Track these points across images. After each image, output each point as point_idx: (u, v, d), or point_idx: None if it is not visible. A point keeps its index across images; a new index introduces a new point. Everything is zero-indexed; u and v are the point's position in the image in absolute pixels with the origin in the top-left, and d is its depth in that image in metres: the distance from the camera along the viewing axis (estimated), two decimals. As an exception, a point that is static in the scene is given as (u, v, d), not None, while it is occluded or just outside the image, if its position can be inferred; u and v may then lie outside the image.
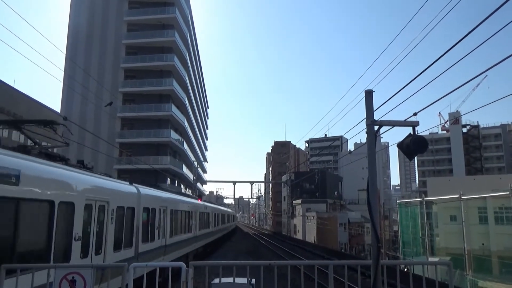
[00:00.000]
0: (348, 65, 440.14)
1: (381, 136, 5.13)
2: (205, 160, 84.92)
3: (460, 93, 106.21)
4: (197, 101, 68.39)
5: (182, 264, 5.09)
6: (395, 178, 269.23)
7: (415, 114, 8.57)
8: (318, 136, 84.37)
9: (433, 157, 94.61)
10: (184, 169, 53.45)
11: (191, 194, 52.44)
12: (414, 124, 4.96)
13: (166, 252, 14.17)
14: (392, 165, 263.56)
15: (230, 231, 48.14)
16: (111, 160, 44.40)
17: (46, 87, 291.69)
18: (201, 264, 5.58)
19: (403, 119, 6.02)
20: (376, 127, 4.97)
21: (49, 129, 8.57)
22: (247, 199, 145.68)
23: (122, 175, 47.45)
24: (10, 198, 5.34)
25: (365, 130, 5.06)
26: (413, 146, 4.79)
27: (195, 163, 55.12)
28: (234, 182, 52.97)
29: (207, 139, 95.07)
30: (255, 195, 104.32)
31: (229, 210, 53.98)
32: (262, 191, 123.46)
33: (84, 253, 7.58)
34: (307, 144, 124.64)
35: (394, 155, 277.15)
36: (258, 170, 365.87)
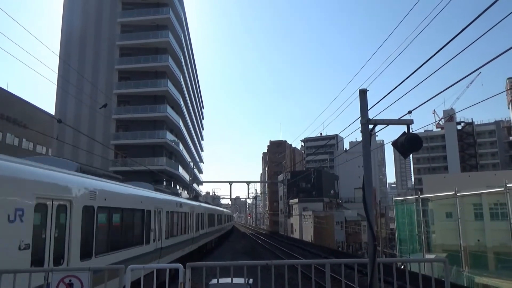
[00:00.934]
0: (344, 63, 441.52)
1: (377, 134, 5.14)
2: (201, 161, 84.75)
3: (454, 91, 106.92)
4: (192, 102, 68.26)
5: (179, 265, 5.09)
6: (390, 176, 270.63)
7: (409, 112, 8.60)
8: (314, 135, 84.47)
9: (428, 154, 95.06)
10: (180, 170, 53.33)
11: (187, 195, 52.37)
12: (409, 123, 4.97)
13: (162, 255, 14.19)
14: (387, 163, 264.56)
15: (227, 232, 48.12)
16: (106, 162, 44.22)
17: (40, 90, 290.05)
18: (199, 265, 5.58)
19: (398, 117, 6.06)
20: (371, 126, 5.00)
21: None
22: (243, 199, 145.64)
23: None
24: (89, 206, 8.08)
25: (360, 128, 5.09)
26: (407, 144, 4.80)
27: (191, 164, 55.00)
28: (231, 182, 52.99)
29: (202, 139, 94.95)
30: (251, 195, 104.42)
31: (226, 210, 53.95)
32: (259, 191, 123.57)
33: (152, 238, 12.24)
34: (302, 143, 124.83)
35: (389, 153, 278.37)
36: (254, 170, 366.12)
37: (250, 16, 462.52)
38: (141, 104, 47.48)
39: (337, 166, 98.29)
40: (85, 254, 7.79)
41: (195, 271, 5.57)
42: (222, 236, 39.63)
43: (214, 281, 6.03)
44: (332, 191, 79.18)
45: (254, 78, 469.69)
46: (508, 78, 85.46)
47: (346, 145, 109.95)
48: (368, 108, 5.04)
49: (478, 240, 26.55)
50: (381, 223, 39.81)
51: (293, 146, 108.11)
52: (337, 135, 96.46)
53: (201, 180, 79.85)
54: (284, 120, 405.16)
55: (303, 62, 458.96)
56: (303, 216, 63.35)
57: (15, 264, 5.38)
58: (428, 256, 22.84)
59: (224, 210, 50.01)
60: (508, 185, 15.44)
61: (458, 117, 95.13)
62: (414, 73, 7.57)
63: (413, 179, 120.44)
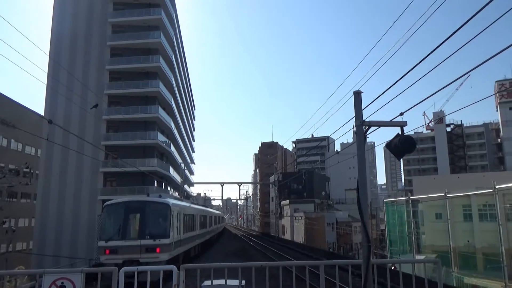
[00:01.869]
0: (337, 64, 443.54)
1: (367, 136, 5.16)
2: (192, 162, 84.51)
3: (444, 93, 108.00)
4: (183, 103, 68.03)
5: (173, 267, 5.06)
6: (381, 177, 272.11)
7: (401, 114, 8.66)
8: (305, 137, 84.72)
9: (418, 156, 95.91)
10: (171, 171, 53.09)
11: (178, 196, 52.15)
12: (402, 124, 5.00)
13: (199, 237, 26.92)
14: (378, 165, 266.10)
15: (218, 233, 47.99)
16: (97, 163, 43.86)
17: (30, 90, 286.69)
18: (193, 267, 5.55)
19: (389, 119, 6.10)
20: (365, 128, 5.01)
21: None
22: (235, 201, 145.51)
23: (109, 178, 46.94)
24: (166, 214, 17.22)
25: (352, 130, 5.12)
26: (401, 146, 4.82)
27: (182, 165, 54.76)
28: (222, 184, 52.82)
29: (194, 140, 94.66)
30: (242, 196, 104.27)
31: (217, 211, 53.79)
32: (250, 192, 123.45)
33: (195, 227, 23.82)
34: (294, 145, 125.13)
35: (380, 154, 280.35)
36: (246, 171, 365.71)
37: (242, 17, 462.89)
38: (132, 105, 47.18)
39: (328, 167, 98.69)
40: (186, 231, 20.12)
41: (188, 272, 5.54)
42: (214, 237, 40.62)
43: (207, 282, 6.00)
44: (323, 193, 79.48)
45: (246, 79, 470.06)
46: (496, 81, 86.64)
47: (338, 147, 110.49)
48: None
49: (468, 241, 26.83)
50: (372, 224, 40.02)
51: (284, 147, 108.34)
52: (328, 137, 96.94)
53: (193, 181, 79.55)
54: (276, 121, 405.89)
55: (295, 63, 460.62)
56: (294, 217, 63.45)
57: (194, 228, 24.26)
58: (418, 257, 23.01)
59: (215, 211, 49.93)
60: (497, 187, 15.64)
61: (448, 119, 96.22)
62: (406, 75, 7.64)
63: (403, 181, 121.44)
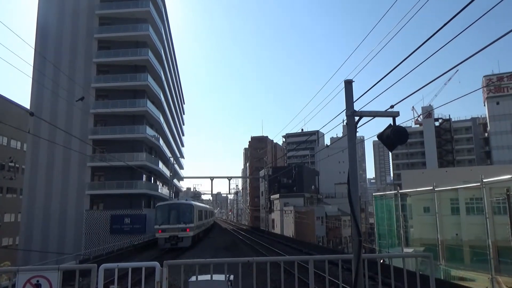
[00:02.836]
0: (327, 58, 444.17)
1: (357, 130, 5.03)
2: (182, 156, 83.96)
3: (433, 87, 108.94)
4: (172, 97, 67.39)
5: (156, 263, 4.88)
6: (370, 172, 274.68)
7: (392, 106, 8.56)
8: (295, 131, 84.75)
9: (406, 150, 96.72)
10: (161, 165, 52.68)
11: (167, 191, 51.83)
12: (395, 115, 4.85)
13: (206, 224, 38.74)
14: (367, 159, 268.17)
15: (209, 227, 47.88)
16: (84, 158, 43.27)
17: (16, 83, 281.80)
18: (177, 263, 5.37)
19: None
20: (356, 118, 4.85)
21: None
22: (224, 195, 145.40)
23: (97, 172, 46.38)
24: (191, 210, 28.99)
25: (341, 124, 5.02)
26: (393, 137, 4.67)
27: (172, 159, 54.35)
28: (212, 178, 52.66)
29: (183, 135, 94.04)
30: (232, 191, 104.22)
31: (208, 206, 53.65)
32: (240, 187, 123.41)
33: (202, 218, 34.67)
34: (284, 139, 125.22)
35: (369, 149, 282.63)
36: (236, 165, 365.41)
37: (233, 11, 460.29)
38: (121, 98, 46.56)
39: (318, 161, 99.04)
40: (199, 220, 31.47)
41: (174, 268, 5.38)
42: (210, 227, 47.95)
43: (193, 278, 5.84)
44: (313, 187, 79.74)
45: (237, 73, 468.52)
46: (484, 76, 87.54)
47: (327, 141, 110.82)
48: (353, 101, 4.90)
49: (456, 234, 27.11)
50: (361, 218, 40.24)
51: (274, 141, 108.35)
52: (318, 131, 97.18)
53: (182, 175, 79.15)
54: (266, 116, 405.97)
55: (286, 57, 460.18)
56: (284, 212, 63.60)
57: (203, 218, 36.21)
58: (407, 250, 23.17)
59: (206, 206, 50.01)
60: (484, 180, 15.74)
61: (436, 113, 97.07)
62: (395, 69, 7.53)
63: (392, 175, 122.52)
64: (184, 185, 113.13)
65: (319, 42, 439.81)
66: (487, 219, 16.25)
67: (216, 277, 5.66)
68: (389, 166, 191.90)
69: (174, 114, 69.97)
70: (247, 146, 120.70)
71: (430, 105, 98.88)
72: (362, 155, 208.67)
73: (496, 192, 24.40)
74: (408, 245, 26.13)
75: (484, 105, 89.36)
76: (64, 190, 45.38)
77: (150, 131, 48.19)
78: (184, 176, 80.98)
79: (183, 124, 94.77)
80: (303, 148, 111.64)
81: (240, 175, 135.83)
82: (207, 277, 5.52)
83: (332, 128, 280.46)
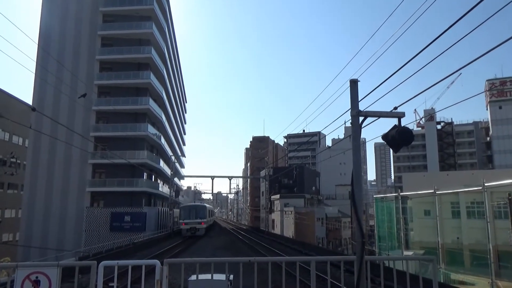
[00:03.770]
0: (331, 59, 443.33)
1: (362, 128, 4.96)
2: (183, 155, 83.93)
3: (435, 91, 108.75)
4: (175, 95, 67.38)
5: (156, 262, 4.84)
6: (371, 174, 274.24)
7: (395, 108, 8.52)
8: (297, 132, 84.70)
9: (408, 153, 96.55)
10: (162, 163, 52.67)
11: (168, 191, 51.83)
12: (400, 116, 4.81)
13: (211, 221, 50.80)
14: (368, 161, 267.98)
15: (209, 226, 47.90)
16: (85, 154, 43.28)
17: (19, 79, 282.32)
18: (177, 262, 5.33)
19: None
20: (361, 119, 4.80)
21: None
22: (225, 194, 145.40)
23: (98, 169, 46.39)
24: (203, 211, 41.31)
25: (342, 125, 4.96)
26: (399, 138, 4.62)
27: (173, 157, 54.32)
28: (213, 177, 52.55)
29: (185, 133, 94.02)
30: (233, 190, 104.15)
31: (208, 205, 53.67)
32: (241, 186, 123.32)
33: (209, 216, 47.56)
34: (285, 140, 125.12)
35: (370, 151, 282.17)
36: (237, 165, 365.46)
37: (236, 10, 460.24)
38: (123, 96, 46.59)
39: (319, 162, 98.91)
40: (208, 217, 45.53)
41: (174, 266, 5.33)
42: (211, 225, 54.71)
43: (193, 277, 5.80)
44: (313, 188, 79.63)
45: (239, 73, 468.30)
46: (487, 80, 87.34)
47: (329, 143, 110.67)
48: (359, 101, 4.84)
49: (458, 238, 27.01)
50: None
51: (276, 142, 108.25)
52: (319, 132, 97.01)
53: (183, 174, 79.13)
54: (268, 116, 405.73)
55: (290, 57, 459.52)
56: (284, 212, 63.52)
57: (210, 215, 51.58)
58: (406, 253, 23.11)
59: (207, 205, 50.35)
60: (486, 184, 15.68)
61: (438, 117, 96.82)
62: (399, 71, 7.49)
63: (393, 177, 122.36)
64: (184, 183, 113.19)
65: (324, 43, 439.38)
66: (488, 223, 16.19)
67: (216, 276, 5.61)
68: (390, 168, 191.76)
69: (175, 113, 69.98)
70: (248, 146, 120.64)
71: (432, 108, 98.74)
72: (363, 157, 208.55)
73: (498, 196, 24.33)
74: (408, 248, 26.07)
75: (487, 109, 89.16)
76: (65, 186, 45.41)
77: (151, 129, 48.20)
78: (185, 174, 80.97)
79: (185, 123, 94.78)
80: (304, 149, 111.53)
81: (241, 175, 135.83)
82: (207, 276, 5.47)
83: (333, 130, 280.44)
